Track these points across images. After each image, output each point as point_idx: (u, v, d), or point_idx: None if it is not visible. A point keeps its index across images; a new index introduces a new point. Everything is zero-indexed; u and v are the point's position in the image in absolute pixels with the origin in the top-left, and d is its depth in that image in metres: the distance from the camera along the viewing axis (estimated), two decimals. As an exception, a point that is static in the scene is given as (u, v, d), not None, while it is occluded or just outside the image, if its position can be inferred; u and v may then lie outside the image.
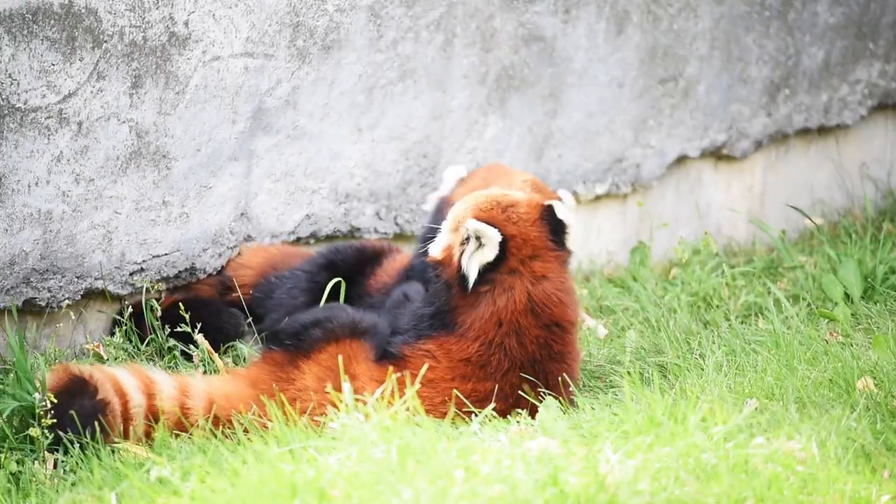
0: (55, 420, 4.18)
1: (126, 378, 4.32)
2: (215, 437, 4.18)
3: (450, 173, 5.07)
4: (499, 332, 4.31)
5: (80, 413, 4.19)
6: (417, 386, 4.04)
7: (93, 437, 4.18)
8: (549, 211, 4.41)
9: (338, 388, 4.17)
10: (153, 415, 4.30)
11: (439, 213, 4.80)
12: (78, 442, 4.19)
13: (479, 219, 4.35)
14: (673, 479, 3.52)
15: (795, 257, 6.17)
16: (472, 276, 4.32)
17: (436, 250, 4.43)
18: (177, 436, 4.28)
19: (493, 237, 4.32)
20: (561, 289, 4.37)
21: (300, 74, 5.23)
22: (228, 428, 4.26)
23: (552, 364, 4.33)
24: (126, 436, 4.25)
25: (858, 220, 6.66)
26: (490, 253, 4.32)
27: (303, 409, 4.26)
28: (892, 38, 6.75)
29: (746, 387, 4.34)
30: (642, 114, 6.09)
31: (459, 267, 4.35)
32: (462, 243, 4.35)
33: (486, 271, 4.33)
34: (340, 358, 4.22)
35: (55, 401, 4.20)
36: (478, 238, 4.32)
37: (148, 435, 4.28)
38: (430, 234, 4.59)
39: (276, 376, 4.36)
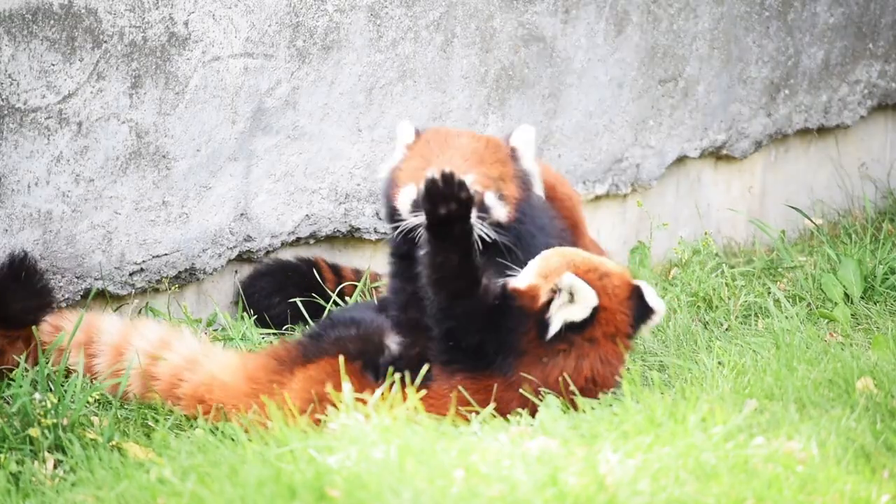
0: None
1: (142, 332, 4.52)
2: (215, 436, 4.18)
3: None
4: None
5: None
6: (418, 385, 4.04)
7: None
8: (638, 293, 4.31)
9: (321, 403, 4.16)
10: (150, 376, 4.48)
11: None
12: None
13: (578, 276, 4.23)
14: (673, 479, 3.52)
15: (795, 257, 6.17)
16: (554, 329, 4.22)
17: (520, 283, 4.30)
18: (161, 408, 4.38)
19: (589, 299, 4.20)
20: (614, 379, 4.27)
21: (300, 75, 5.23)
22: (213, 416, 4.33)
23: None
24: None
25: (858, 220, 6.66)
26: (580, 313, 4.21)
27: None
28: (892, 38, 6.76)
29: (746, 387, 4.34)
30: (642, 114, 6.09)
31: (543, 311, 4.24)
32: (553, 291, 4.24)
33: (567, 329, 4.24)
34: (342, 361, 4.22)
35: None
36: (571, 294, 4.21)
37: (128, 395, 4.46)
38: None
39: (272, 375, 4.36)
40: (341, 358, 4.19)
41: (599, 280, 4.27)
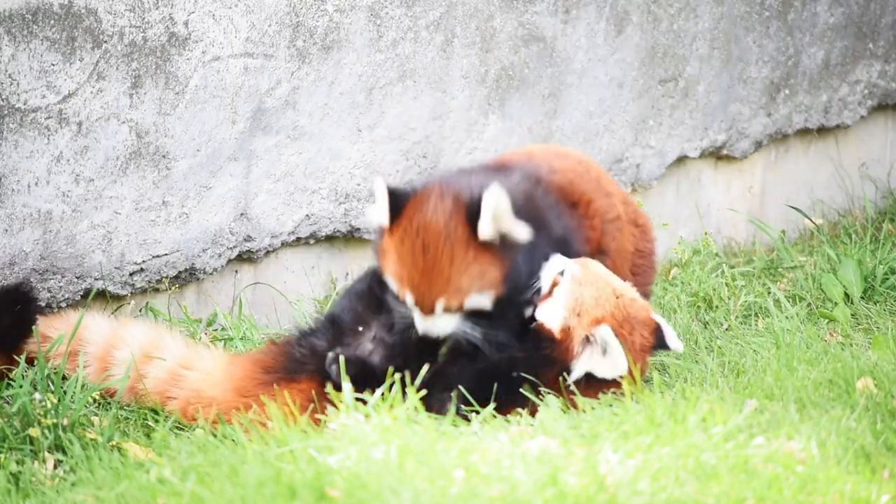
0: None
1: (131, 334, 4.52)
2: (215, 436, 4.18)
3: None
4: None
5: None
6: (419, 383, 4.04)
7: None
8: (659, 333, 4.27)
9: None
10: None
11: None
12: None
13: (613, 330, 4.17)
14: (673, 479, 3.52)
15: (795, 257, 6.17)
16: (577, 375, 4.18)
17: (552, 322, 4.22)
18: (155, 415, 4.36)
19: (620, 365, 4.15)
20: None
21: (300, 75, 5.23)
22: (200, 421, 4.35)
23: None
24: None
25: (858, 220, 6.66)
26: (608, 372, 4.17)
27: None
28: (892, 38, 6.75)
29: (746, 387, 4.34)
30: (642, 114, 6.09)
31: (572, 357, 4.21)
32: (587, 339, 4.20)
33: (590, 378, 4.22)
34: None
35: None
36: (604, 349, 4.17)
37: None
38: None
39: (259, 387, 4.37)
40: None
41: (631, 334, 4.24)
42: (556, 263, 4.27)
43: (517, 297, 4.25)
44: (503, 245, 4.16)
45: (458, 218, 4.14)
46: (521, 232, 4.17)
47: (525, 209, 4.23)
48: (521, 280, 4.23)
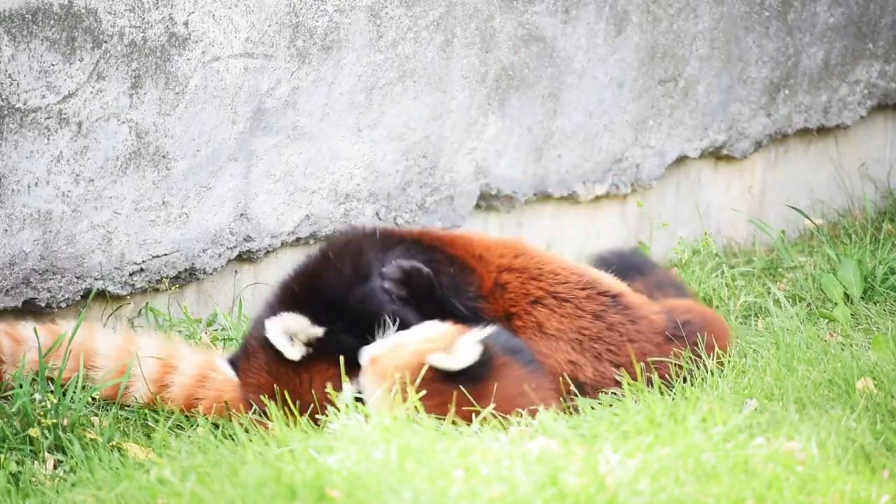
0: None
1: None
2: (215, 436, 4.18)
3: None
4: None
5: None
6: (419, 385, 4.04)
7: None
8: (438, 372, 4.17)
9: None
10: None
11: None
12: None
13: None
14: (673, 479, 3.52)
15: (795, 257, 6.17)
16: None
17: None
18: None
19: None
20: None
21: (300, 75, 5.23)
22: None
23: None
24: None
25: (858, 220, 6.66)
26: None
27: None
28: (892, 38, 6.76)
29: (746, 387, 4.34)
30: (642, 114, 6.09)
31: None
32: None
33: None
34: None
35: None
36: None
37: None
38: None
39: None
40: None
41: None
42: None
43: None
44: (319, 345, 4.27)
45: (271, 367, 4.30)
46: (316, 330, 4.24)
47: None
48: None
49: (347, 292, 4.31)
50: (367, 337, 4.20)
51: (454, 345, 4.11)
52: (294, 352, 4.25)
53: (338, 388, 4.13)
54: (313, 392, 4.18)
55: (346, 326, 4.25)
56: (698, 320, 4.54)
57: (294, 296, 4.33)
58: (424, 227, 4.77)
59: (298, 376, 4.23)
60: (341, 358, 4.19)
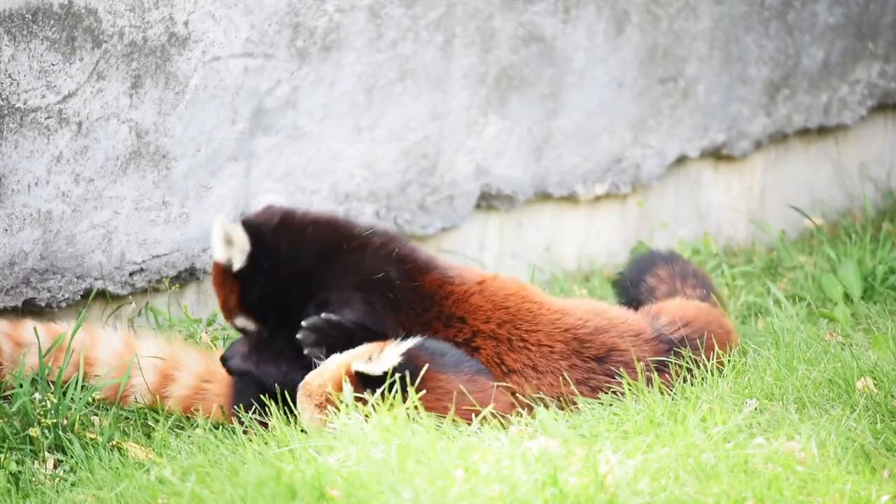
0: None
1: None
2: (215, 436, 4.18)
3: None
4: None
5: None
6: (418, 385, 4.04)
7: None
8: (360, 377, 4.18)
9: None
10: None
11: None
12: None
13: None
14: (673, 479, 3.52)
15: (795, 257, 6.17)
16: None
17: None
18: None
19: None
20: None
21: (300, 75, 5.23)
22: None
23: None
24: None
25: (858, 220, 6.66)
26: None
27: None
28: (892, 38, 6.76)
29: (746, 387, 4.33)
30: (642, 114, 6.09)
31: None
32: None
33: None
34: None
35: None
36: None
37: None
38: None
39: None
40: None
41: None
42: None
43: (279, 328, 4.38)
44: (244, 272, 4.36)
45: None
46: (237, 256, 4.35)
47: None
48: (269, 308, 4.37)
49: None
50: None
51: (379, 353, 4.14)
52: (222, 254, 4.33)
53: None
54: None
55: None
56: (696, 335, 4.51)
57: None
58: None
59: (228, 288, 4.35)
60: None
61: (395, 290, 4.32)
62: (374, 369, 4.08)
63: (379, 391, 4.02)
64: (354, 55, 5.33)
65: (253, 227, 4.33)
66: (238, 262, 4.34)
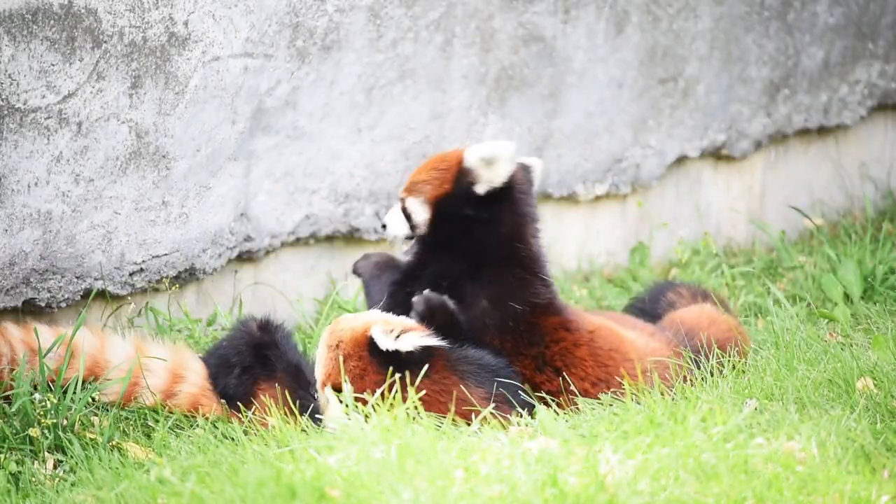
0: None
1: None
2: (215, 436, 4.18)
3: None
4: None
5: None
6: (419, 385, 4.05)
7: None
8: (373, 343, 4.22)
9: None
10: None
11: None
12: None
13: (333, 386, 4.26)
14: (673, 479, 3.52)
15: (795, 257, 6.17)
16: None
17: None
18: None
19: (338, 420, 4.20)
20: None
21: (300, 75, 5.23)
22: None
23: None
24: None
25: (858, 220, 6.66)
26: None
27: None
28: (892, 38, 6.76)
29: (746, 387, 4.34)
30: (642, 114, 6.09)
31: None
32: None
33: None
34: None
35: None
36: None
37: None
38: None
39: None
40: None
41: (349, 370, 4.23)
42: None
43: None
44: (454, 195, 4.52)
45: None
46: (499, 170, 4.52)
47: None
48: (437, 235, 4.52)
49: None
50: None
51: (402, 332, 4.18)
52: (485, 156, 4.47)
53: None
54: None
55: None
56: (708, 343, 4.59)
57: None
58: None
59: None
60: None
61: (516, 320, 4.42)
62: (386, 343, 4.12)
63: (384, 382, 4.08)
64: (354, 55, 5.33)
65: (506, 184, 4.45)
66: (499, 177, 4.46)
